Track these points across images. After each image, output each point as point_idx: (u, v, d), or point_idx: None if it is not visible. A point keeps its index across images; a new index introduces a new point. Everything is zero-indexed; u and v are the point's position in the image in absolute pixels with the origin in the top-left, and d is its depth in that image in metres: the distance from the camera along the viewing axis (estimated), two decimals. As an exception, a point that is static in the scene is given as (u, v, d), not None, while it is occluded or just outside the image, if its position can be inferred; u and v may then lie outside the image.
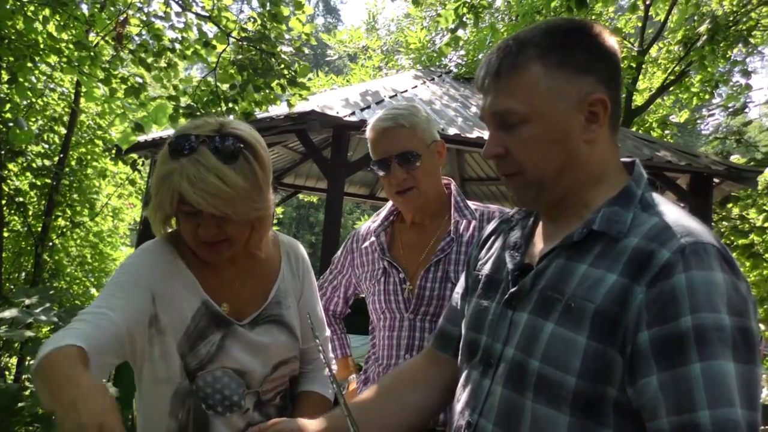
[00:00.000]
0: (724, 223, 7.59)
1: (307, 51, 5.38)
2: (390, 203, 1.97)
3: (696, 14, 9.57)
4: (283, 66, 4.74)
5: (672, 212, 0.96)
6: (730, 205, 7.28)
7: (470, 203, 1.88)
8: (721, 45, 9.01)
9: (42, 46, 4.98)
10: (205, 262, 1.40)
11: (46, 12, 4.90)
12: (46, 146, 7.11)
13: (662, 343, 0.84)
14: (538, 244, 1.11)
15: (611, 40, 1.03)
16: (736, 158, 6.82)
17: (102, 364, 1.15)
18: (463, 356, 1.17)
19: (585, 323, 0.91)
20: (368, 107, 5.78)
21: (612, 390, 0.89)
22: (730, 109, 8.93)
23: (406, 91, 7.04)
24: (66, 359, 1.03)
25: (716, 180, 5.93)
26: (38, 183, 6.86)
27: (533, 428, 0.95)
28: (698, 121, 13.10)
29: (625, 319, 0.88)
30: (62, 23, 4.91)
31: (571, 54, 1.00)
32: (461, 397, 1.12)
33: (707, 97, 10.38)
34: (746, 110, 8.87)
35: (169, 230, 1.42)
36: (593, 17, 10.18)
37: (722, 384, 0.80)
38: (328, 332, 1.67)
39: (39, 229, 6.94)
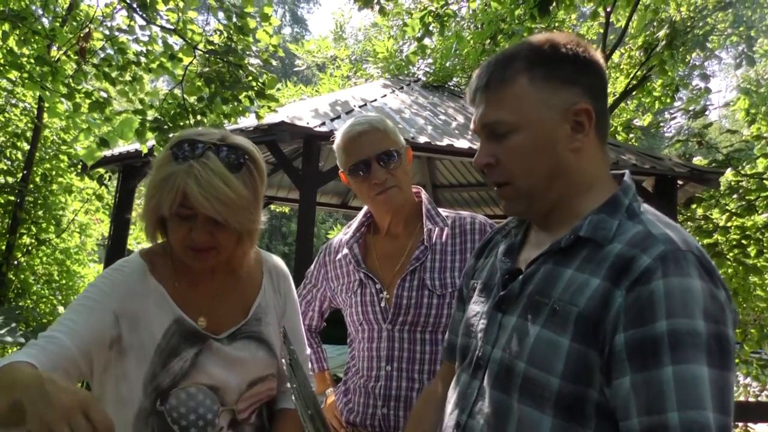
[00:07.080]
0: (689, 223, 7.75)
1: (274, 62, 5.36)
2: (360, 214, 1.97)
3: (655, 20, 9.80)
4: (250, 78, 4.71)
5: (657, 221, 0.99)
6: (694, 206, 7.44)
7: (441, 210, 1.89)
8: (680, 50, 9.25)
9: (2, 61, 4.87)
10: (183, 276, 1.39)
11: (5, 27, 4.80)
12: (9, 163, 6.94)
13: (637, 346, 0.86)
14: (529, 251, 1.14)
15: (596, 54, 1.07)
16: (698, 160, 6.98)
17: None
18: (458, 361, 1.20)
19: (569, 326, 0.94)
20: (338, 117, 5.78)
21: (593, 392, 0.92)
22: (691, 112, 9.16)
23: (375, 100, 7.06)
24: (16, 366, 1.03)
25: (680, 182, 6.07)
26: (1, 200, 6.69)
27: (519, 429, 0.97)
28: (661, 124, 13.37)
29: (606, 321, 0.90)
30: (22, 38, 4.81)
31: (557, 66, 1.04)
32: (451, 398, 1.15)
33: (669, 100, 10.63)
34: (706, 113, 9.10)
35: (146, 247, 1.41)
36: (556, 24, 10.35)
37: (693, 387, 0.81)
38: (308, 350, 1.67)
39: (3, 247, 6.76)
